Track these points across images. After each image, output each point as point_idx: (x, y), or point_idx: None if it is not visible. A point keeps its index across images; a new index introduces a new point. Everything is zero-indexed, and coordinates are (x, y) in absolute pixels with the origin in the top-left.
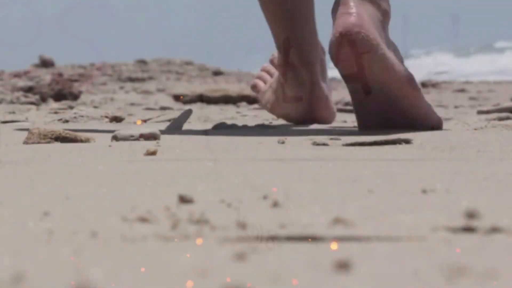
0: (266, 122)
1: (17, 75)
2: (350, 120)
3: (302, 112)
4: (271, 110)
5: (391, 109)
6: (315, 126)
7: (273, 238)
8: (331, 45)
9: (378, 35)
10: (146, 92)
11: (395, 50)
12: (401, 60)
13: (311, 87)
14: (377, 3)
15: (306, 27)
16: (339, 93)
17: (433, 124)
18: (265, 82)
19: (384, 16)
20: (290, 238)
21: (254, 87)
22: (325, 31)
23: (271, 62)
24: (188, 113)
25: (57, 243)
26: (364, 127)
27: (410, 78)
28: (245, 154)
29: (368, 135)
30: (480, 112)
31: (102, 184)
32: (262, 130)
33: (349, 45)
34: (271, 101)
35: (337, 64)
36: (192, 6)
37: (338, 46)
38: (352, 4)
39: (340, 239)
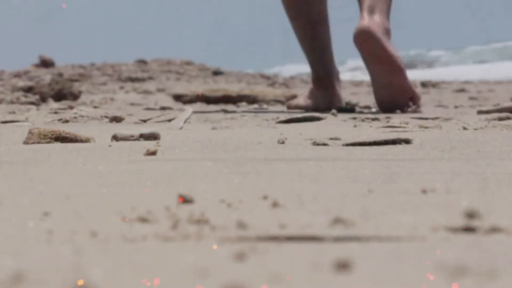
0: (266, 122)
1: (17, 75)
2: (346, 117)
3: (325, 102)
4: (297, 105)
5: (392, 84)
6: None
7: (273, 238)
8: (354, 37)
9: (383, 36)
10: (146, 92)
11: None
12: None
13: (331, 89)
14: (384, 22)
15: (328, 53)
16: None
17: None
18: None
19: (387, 33)
20: (290, 238)
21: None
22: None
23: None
24: (188, 113)
25: (57, 243)
26: (380, 102)
27: (401, 62)
28: (245, 154)
29: (368, 135)
30: (480, 112)
31: (102, 184)
32: (262, 130)
33: (364, 36)
34: (301, 98)
35: (359, 48)
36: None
37: (358, 36)
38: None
39: (340, 239)
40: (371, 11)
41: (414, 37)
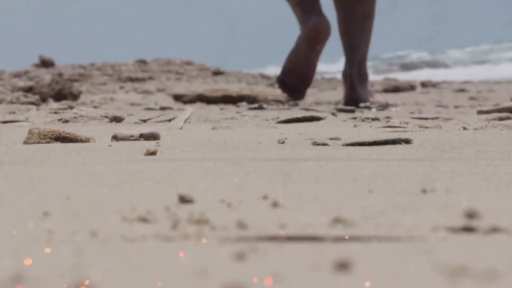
0: (266, 121)
1: (17, 75)
2: (346, 117)
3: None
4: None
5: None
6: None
7: (273, 238)
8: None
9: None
10: (146, 92)
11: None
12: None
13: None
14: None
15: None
16: (338, 93)
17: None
18: None
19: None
20: (290, 238)
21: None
22: None
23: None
24: (188, 113)
25: (57, 243)
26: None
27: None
28: (245, 154)
29: (368, 135)
30: (480, 112)
31: (102, 184)
32: (262, 130)
33: None
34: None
35: None
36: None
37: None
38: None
39: (340, 239)
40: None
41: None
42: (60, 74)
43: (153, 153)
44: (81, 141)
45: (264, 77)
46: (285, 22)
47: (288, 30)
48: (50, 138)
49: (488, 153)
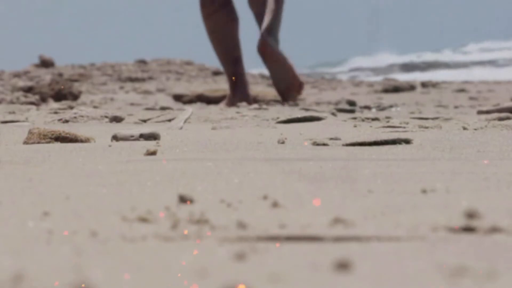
0: (266, 121)
1: (17, 75)
2: (346, 117)
3: None
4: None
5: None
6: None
7: (273, 238)
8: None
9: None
10: (146, 92)
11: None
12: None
13: None
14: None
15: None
16: (338, 93)
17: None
18: None
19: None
20: (290, 238)
21: None
22: None
23: None
24: (188, 113)
25: (57, 243)
26: (279, 91)
27: (290, 60)
28: (245, 154)
29: (368, 135)
30: (480, 112)
31: (102, 184)
32: (262, 130)
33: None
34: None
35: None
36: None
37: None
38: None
39: (340, 239)
40: (268, 31)
41: None
42: (60, 74)
43: (153, 153)
44: (81, 141)
45: (264, 77)
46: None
47: (288, 30)
48: (50, 138)
49: (488, 153)
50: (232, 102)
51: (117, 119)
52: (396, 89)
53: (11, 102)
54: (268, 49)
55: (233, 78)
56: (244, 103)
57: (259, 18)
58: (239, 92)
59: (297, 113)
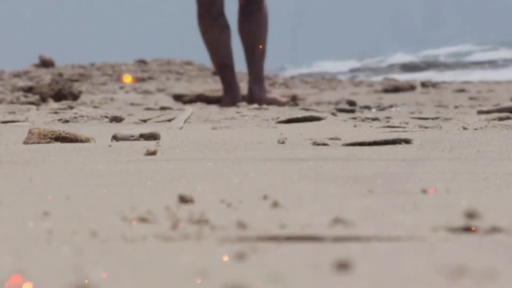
0: (266, 121)
1: (17, 75)
2: (346, 117)
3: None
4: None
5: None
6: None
7: (273, 238)
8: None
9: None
10: (146, 92)
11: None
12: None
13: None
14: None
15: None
16: (338, 93)
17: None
18: None
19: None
20: (290, 238)
21: None
22: None
23: None
24: (188, 113)
25: (57, 243)
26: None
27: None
28: (245, 154)
29: (368, 135)
30: (480, 112)
31: (102, 184)
32: (262, 130)
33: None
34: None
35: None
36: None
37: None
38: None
39: (340, 239)
40: (255, 80)
41: None
42: (60, 74)
43: (153, 153)
44: (81, 141)
45: None
46: (285, 22)
47: (288, 30)
48: (50, 138)
49: (488, 153)
50: (224, 104)
51: (117, 119)
52: (396, 89)
53: (11, 102)
54: (256, 100)
55: (225, 83)
56: (244, 103)
57: (246, 52)
58: (230, 96)
59: (297, 113)
